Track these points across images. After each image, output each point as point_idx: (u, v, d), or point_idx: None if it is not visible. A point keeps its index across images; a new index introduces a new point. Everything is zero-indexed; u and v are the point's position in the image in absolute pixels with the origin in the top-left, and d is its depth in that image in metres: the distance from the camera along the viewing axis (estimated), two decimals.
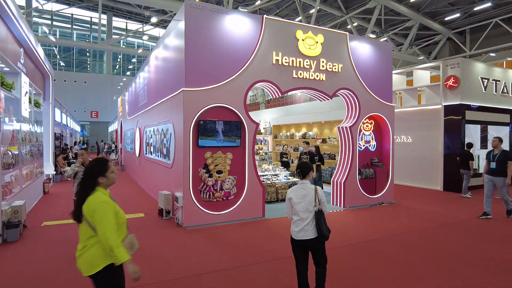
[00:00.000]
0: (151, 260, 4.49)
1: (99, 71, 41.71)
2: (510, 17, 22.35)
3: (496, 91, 11.19)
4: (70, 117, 24.25)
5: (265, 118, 14.17)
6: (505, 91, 11.48)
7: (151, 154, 9.54)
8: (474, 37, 25.24)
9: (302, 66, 7.21)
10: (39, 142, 9.43)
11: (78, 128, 35.05)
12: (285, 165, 10.00)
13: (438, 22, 23.90)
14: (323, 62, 7.45)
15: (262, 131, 14.04)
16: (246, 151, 6.65)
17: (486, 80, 10.83)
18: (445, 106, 10.33)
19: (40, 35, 36.45)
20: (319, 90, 7.45)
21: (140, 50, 25.79)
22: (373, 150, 8.45)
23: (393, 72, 11.55)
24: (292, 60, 7.09)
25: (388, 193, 8.44)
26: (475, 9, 20.96)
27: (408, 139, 11.35)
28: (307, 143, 9.01)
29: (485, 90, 10.78)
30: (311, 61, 7.31)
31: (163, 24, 29.01)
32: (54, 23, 35.10)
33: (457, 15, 21.89)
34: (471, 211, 7.54)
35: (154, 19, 22.62)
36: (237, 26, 6.56)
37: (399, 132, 11.51)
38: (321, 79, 7.43)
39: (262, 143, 13.92)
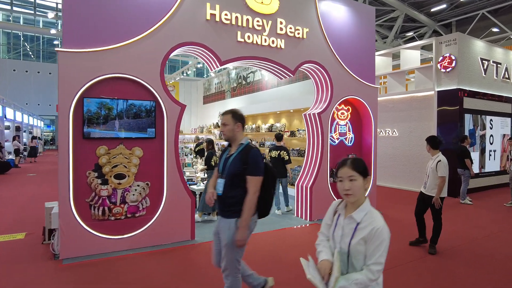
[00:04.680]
0: None
1: None
2: (497, 9, 21.32)
3: (497, 76, 9.48)
4: (18, 109, 21.34)
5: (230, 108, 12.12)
6: (507, 76, 9.80)
7: None
8: (460, 30, 24.13)
9: (251, 26, 5.18)
10: None
11: (39, 123, 32.07)
12: None
13: (424, 14, 22.84)
14: (281, 23, 5.44)
15: None
16: (165, 146, 4.59)
17: (487, 62, 9.10)
18: (438, 92, 8.51)
19: (1, 20, 33.36)
20: (276, 62, 5.44)
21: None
22: (350, 144, 6.54)
23: (377, 53, 9.70)
24: (236, 17, 5.05)
25: (369, 199, 6.53)
26: None
27: (394, 133, 9.53)
28: None
29: (485, 73, 9.04)
30: (264, 21, 5.29)
31: None
32: (15, 8, 31.98)
33: (443, 6, 20.82)
34: (471, 224, 5.76)
35: None
36: None
37: (384, 124, 9.68)
38: (278, 46, 5.43)
39: None
